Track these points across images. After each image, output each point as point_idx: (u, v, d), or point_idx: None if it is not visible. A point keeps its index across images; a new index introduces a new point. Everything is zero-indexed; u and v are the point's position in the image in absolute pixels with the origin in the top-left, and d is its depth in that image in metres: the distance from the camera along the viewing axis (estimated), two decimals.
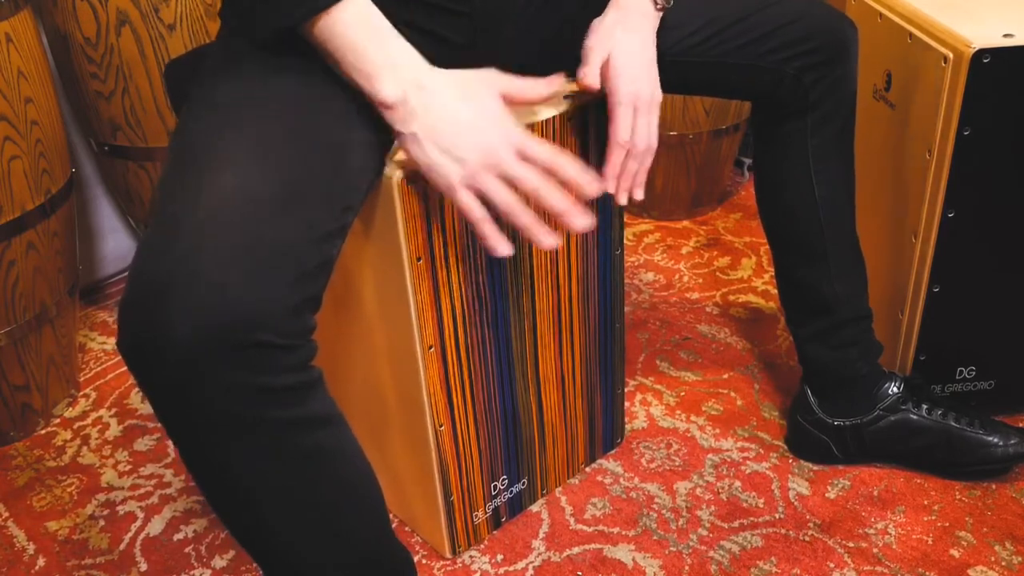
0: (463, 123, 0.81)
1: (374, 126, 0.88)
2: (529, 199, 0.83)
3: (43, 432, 1.50)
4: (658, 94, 1.00)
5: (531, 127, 1.02)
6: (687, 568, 1.17)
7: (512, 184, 0.82)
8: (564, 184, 0.83)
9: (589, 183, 0.83)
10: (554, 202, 0.82)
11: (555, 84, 0.87)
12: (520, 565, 1.19)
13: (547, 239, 0.83)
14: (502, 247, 0.84)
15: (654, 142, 1.00)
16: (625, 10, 1.00)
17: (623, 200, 1.01)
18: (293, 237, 0.75)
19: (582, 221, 0.83)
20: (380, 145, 0.92)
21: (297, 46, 0.85)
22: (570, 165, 0.83)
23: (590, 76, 0.99)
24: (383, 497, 0.89)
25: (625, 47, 0.98)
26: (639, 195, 1.00)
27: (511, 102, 0.85)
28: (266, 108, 0.82)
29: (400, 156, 0.96)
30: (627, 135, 0.98)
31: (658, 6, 1.01)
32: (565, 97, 1.06)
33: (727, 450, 1.35)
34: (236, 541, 0.83)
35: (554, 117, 1.04)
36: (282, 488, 0.78)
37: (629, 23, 0.99)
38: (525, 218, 0.83)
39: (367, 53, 0.80)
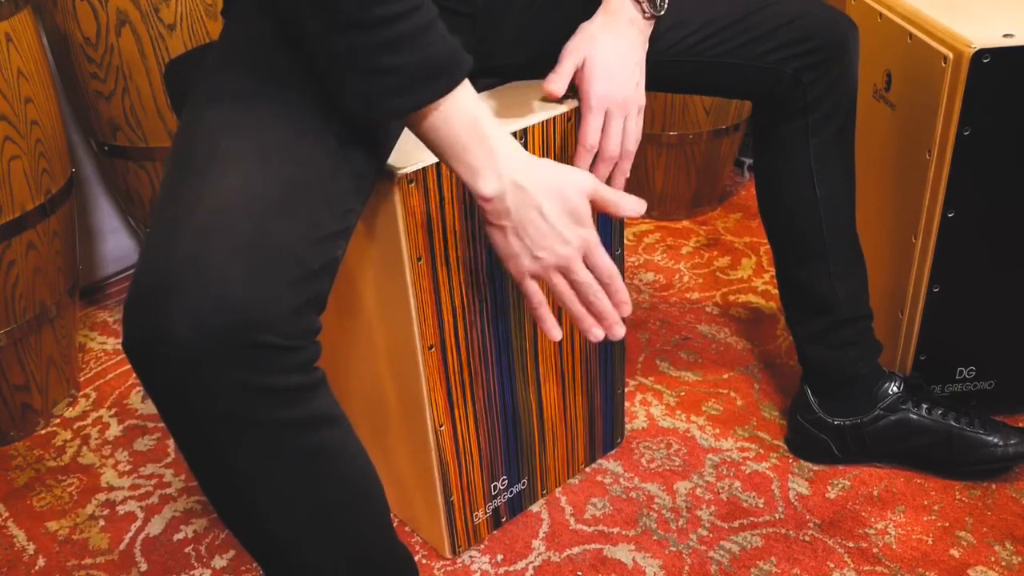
0: (549, 228, 0.83)
1: (377, 126, 0.88)
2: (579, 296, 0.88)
3: (43, 432, 1.50)
4: (637, 98, 0.99)
5: (531, 128, 1.02)
6: (687, 568, 1.17)
7: (576, 287, 0.87)
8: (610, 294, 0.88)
9: (626, 304, 0.88)
10: (602, 309, 0.87)
11: (643, 206, 0.89)
12: (520, 565, 1.19)
13: (596, 331, 0.88)
14: (556, 332, 0.89)
15: (630, 146, 1.00)
16: (612, 15, 1.00)
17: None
18: (296, 238, 0.75)
19: (620, 331, 0.88)
20: (383, 146, 0.92)
21: (297, 45, 0.85)
22: (621, 283, 0.87)
23: (555, 82, 0.98)
24: (385, 497, 0.89)
25: (604, 51, 0.98)
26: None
27: (597, 208, 0.87)
28: (268, 109, 0.82)
29: (402, 157, 0.96)
30: (594, 139, 0.98)
31: (647, 15, 1.00)
32: (565, 98, 1.06)
33: (727, 450, 1.35)
34: (237, 540, 0.83)
35: (555, 118, 1.04)
36: (284, 488, 0.78)
37: (614, 28, 0.99)
38: (577, 309, 0.88)
39: (472, 150, 0.81)
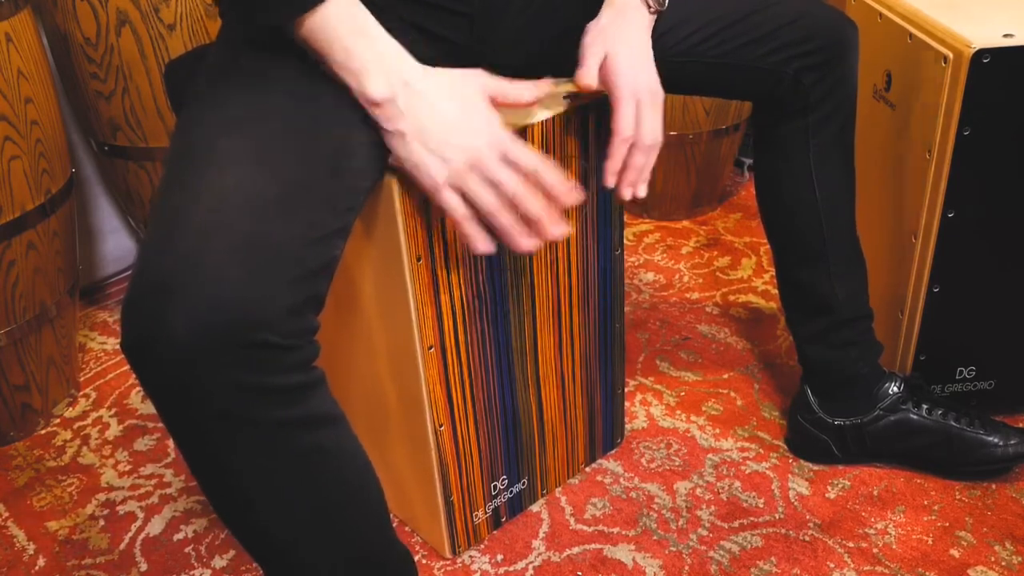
0: (450, 123, 0.81)
1: (375, 126, 0.88)
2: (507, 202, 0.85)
3: (43, 432, 1.50)
4: (660, 90, 0.99)
5: (531, 128, 1.02)
6: (687, 568, 1.17)
7: (493, 186, 0.84)
8: (545, 190, 0.85)
9: (569, 192, 0.84)
10: (530, 208, 0.84)
11: (542, 88, 0.88)
12: (520, 565, 1.19)
13: (525, 242, 0.85)
14: (483, 245, 0.86)
15: (659, 137, 0.99)
16: (619, 10, 1.00)
17: (627, 195, 1.00)
18: (294, 237, 0.75)
19: (557, 229, 0.85)
20: (381, 145, 0.92)
21: (298, 45, 0.85)
22: (551, 172, 0.84)
23: (587, 75, 0.98)
24: (384, 497, 0.89)
25: (623, 44, 0.98)
26: (643, 192, 0.98)
27: (498, 104, 0.85)
28: (267, 108, 0.82)
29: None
30: (630, 129, 0.97)
31: (651, 8, 1.01)
32: (564, 97, 1.06)
33: (727, 450, 1.35)
34: (237, 541, 0.83)
35: (553, 118, 1.04)
36: (283, 487, 0.78)
37: (624, 22, 0.99)
38: (504, 219, 0.84)
39: (355, 51, 0.80)
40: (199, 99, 0.85)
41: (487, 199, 0.84)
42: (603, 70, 0.98)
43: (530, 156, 0.83)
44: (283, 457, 0.76)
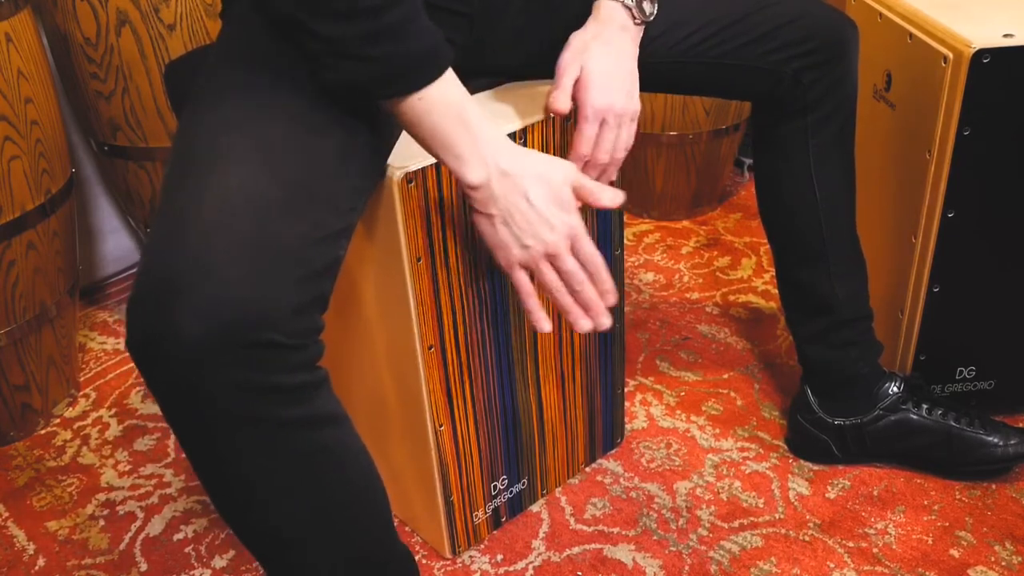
0: (536, 215, 0.85)
1: (377, 127, 0.88)
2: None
3: (43, 432, 1.50)
4: (632, 107, 0.99)
5: (531, 128, 1.02)
6: (687, 568, 1.17)
7: (563, 276, 0.88)
8: (597, 284, 0.90)
9: (612, 294, 0.90)
10: (588, 296, 0.89)
11: (621, 196, 0.90)
12: (520, 565, 1.19)
13: (583, 323, 0.89)
14: (545, 324, 0.90)
15: (619, 155, 1.00)
16: (603, 23, 1.00)
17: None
18: (299, 237, 0.75)
19: (607, 320, 0.90)
20: (383, 146, 0.92)
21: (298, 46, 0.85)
22: (606, 272, 0.89)
23: (558, 100, 0.98)
24: (387, 497, 0.89)
25: (599, 61, 0.98)
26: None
27: (578, 198, 0.88)
28: (270, 108, 0.82)
29: (402, 157, 0.96)
30: (586, 149, 0.98)
31: (637, 20, 1.00)
32: None
33: (727, 450, 1.35)
34: (238, 539, 0.83)
35: (554, 117, 1.04)
36: (287, 486, 0.78)
37: (606, 36, 0.99)
38: (566, 301, 0.89)
39: (456, 138, 0.82)
40: (200, 99, 0.85)
41: (554, 283, 0.88)
42: (576, 85, 0.98)
43: (595, 253, 0.88)
44: (287, 456, 0.76)
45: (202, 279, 0.69)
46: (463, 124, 0.82)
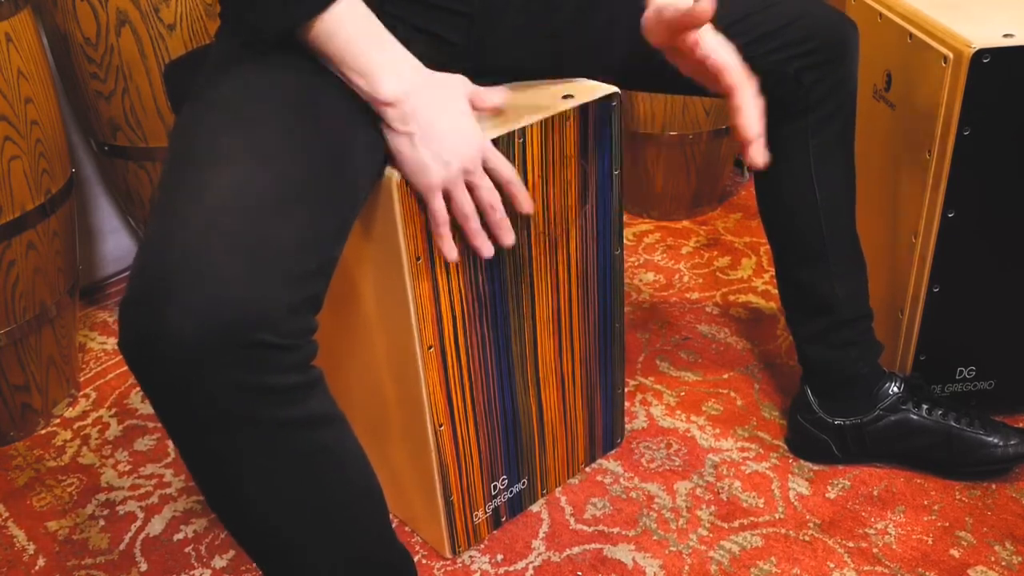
0: (452, 128, 0.84)
1: (375, 127, 0.88)
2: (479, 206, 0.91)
3: (43, 432, 1.50)
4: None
5: (531, 128, 1.02)
6: (687, 568, 1.17)
7: (476, 192, 0.89)
8: (511, 197, 0.92)
9: (528, 203, 0.92)
10: (497, 217, 0.89)
11: (504, 94, 0.91)
12: (520, 565, 1.19)
13: (486, 247, 0.91)
14: (452, 253, 0.92)
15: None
16: None
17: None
18: (294, 237, 0.75)
19: (509, 239, 0.92)
20: (380, 146, 0.92)
21: (298, 46, 0.85)
22: (519, 182, 0.90)
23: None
24: (384, 497, 0.89)
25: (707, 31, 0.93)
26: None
27: (474, 108, 0.88)
28: (267, 107, 0.82)
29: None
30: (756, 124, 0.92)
31: None
32: (564, 97, 1.06)
33: (727, 450, 1.35)
34: (234, 540, 0.83)
35: (553, 118, 1.03)
36: (282, 487, 0.78)
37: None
38: (474, 224, 0.90)
39: (367, 52, 0.82)
40: (199, 99, 0.85)
41: (467, 205, 0.88)
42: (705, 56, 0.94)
43: (507, 165, 0.88)
44: (282, 457, 0.76)
45: (195, 279, 0.69)
46: (375, 38, 0.82)
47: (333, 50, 0.83)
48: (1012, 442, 1.22)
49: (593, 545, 1.21)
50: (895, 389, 1.24)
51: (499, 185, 0.91)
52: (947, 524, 1.20)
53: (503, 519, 1.25)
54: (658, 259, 1.87)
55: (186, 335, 0.67)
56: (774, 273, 1.28)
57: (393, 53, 0.84)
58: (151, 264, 0.71)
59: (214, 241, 0.71)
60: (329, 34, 0.82)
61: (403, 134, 0.85)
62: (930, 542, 1.18)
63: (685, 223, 2.01)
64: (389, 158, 0.90)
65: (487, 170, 0.88)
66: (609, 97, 1.08)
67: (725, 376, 1.51)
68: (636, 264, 1.86)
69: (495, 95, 0.90)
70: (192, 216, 0.72)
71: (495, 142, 0.95)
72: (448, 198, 0.90)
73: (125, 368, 1.63)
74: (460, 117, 0.85)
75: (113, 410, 1.53)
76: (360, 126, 0.86)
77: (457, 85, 0.87)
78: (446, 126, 0.84)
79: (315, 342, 0.76)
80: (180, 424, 0.74)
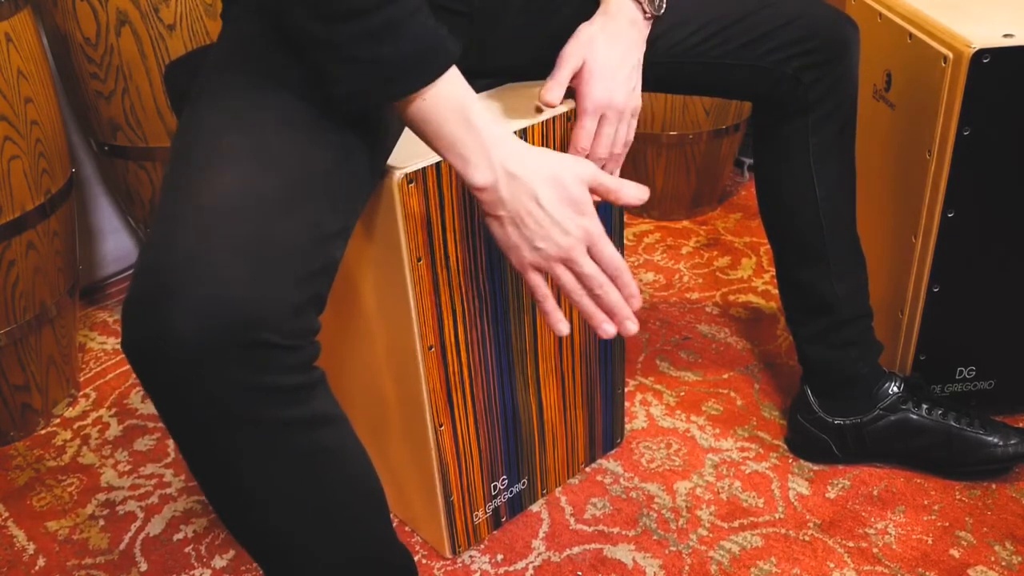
0: (547, 217, 0.82)
1: (377, 127, 0.88)
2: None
3: (43, 432, 1.50)
4: (633, 103, 0.99)
5: (531, 128, 1.02)
6: (687, 568, 1.17)
7: (581, 279, 0.85)
8: (621, 288, 0.86)
9: (636, 298, 0.86)
10: (612, 303, 0.85)
11: (645, 192, 0.87)
12: (520, 565, 1.19)
13: (606, 327, 0.86)
14: (562, 326, 0.87)
15: (619, 150, 1.00)
16: (612, 16, 0.99)
17: None
18: (297, 237, 0.75)
19: (633, 325, 0.86)
20: (383, 146, 0.92)
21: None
22: (629, 276, 0.86)
23: (552, 91, 0.97)
24: (385, 497, 0.89)
25: (602, 55, 0.97)
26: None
27: (597, 196, 0.85)
28: (268, 108, 0.82)
29: (402, 157, 0.96)
30: (586, 143, 0.98)
31: (647, 15, 1.00)
32: (567, 97, 1.06)
33: (727, 450, 1.35)
34: (236, 540, 0.83)
35: (553, 118, 1.04)
36: (283, 487, 0.78)
37: (613, 29, 0.98)
38: (586, 304, 0.86)
39: (462, 138, 0.80)
40: (200, 100, 0.85)
41: (572, 285, 0.85)
42: (576, 78, 0.98)
43: (615, 255, 0.84)
44: (284, 457, 0.76)
45: (198, 279, 0.69)
46: (467, 124, 0.81)
47: (427, 132, 0.81)
48: (1012, 442, 1.22)
49: (593, 545, 1.21)
50: (895, 389, 1.24)
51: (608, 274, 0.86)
52: (947, 524, 1.20)
53: (503, 519, 1.25)
54: (658, 259, 1.87)
55: (189, 335, 0.67)
56: (774, 273, 1.28)
57: (487, 137, 0.81)
58: (154, 264, 0.71)
59: (217, 241, 0.71)
60: (424, 116, 0.80)
61: (494, 218, 0.84)
62: (930, 542, 1.18)
63: (685, 223, 2.01)
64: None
65: (594, 258, 0.84)
66: None
67: (725, 376, 1.51)
68: (636, 264, 1.86)
69: (631, 191, 0.86)
70: (194, 216, 0.72)
71: None
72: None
73: (125, 368, 1.63)
74: (561, 204, 0.82)
75: (113, 410, 1.53)
76: (362, 126, 0.86)
77: (566, 171, 0.83)
78: (539, 215, 0.82)
79: (318, 343, 0.76)
80: (182, 423, 0.74)
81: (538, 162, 0.82)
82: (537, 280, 0.86)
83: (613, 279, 0.85)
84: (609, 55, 0.97)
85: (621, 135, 0.99)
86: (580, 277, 0.85)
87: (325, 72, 0.79)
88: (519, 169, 0.81)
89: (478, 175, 0.81)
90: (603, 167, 0.99)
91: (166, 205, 0.75)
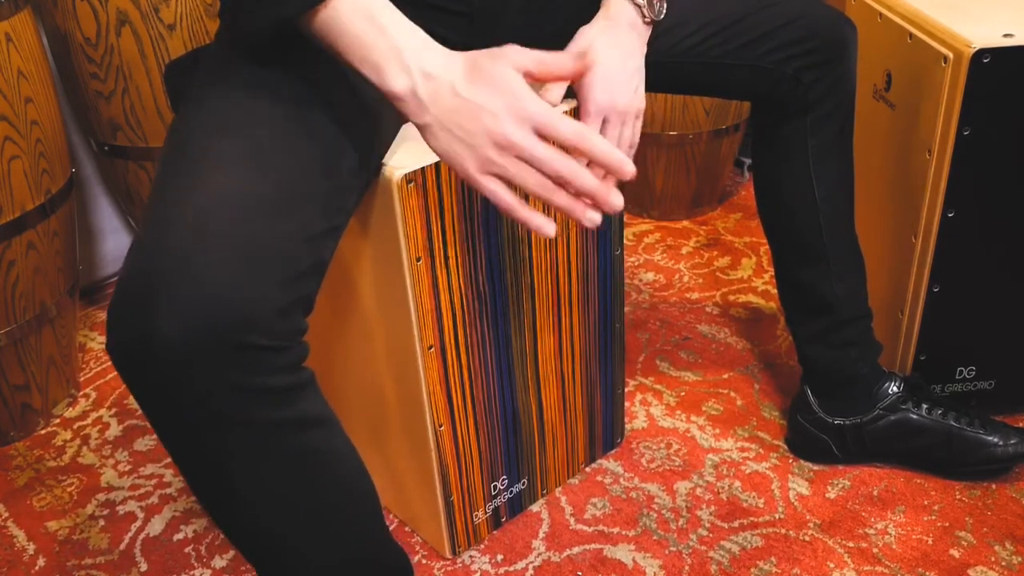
0: (471, 107, 0.75)
1: (370, 126, 0.88)
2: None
3: (43, 432, 1.50)
4: (636, 105, 0.98)
5: None
6: (687, 568, 1.17)
7: (535, 165, 0.76)
8: (595, 159, 0.77)
9: (622, 162, 0.76)
10: (584, 182, 0.75)
11: (581, 65, 0.82)
12: (520, 565, 1.19)
13: (590, 215, 0.77)
14: (548, 227, 0.76)
15: (624, 152, 0.99)
16: (612, 19, 0.99)
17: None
18: (284, 238, 0.75)
19: (617, 199, 0.76)
20: (376, 145, 0.92)
21: (293, 46, 0.85)
22: (599, 142, 0.75)
23: (552, 91, 0.94)
24: (378, 498, 0.89)
25: (604, 57, 0.96)
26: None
27: (536, 79, 0.78)
28: (260, 109, 0.82)
29: (400, 156, 0.96)
30: None
31: (646, 19, 1.00)
32: (565, 98, 1.06)
33: (727, 450, 1.35)
34: (230, 542, 0.83)
35: None
36: (273, 489, 0.78)
37: (613, 32, 0.98)
38: (559, 199, 0.76)
39: (372, 44, 0.76)
40: (194, 100, 0.85)
41: (532, 179, 0.75)
42: (579, 80, 0.97)
43: (570, 125, 0.74)
44: (273, 458, 0.76)
45: (184, 280, 0.68)
46: (375, 26, 0.76)
47: (337, 44, 0.77)
48: (1012, 442, 1.22)
49: (593, 545, 1.21)
50: (895, 389, 1.24)
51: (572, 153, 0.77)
52: (947, 524, 1.20)
53: (503, 519, 1.25)
54: (658, 259, 1.87)
55: (172, 337, 0.67)
56: (774, 273, 1.28)
57: (399, 40, 0.76)
58: (140, 266, 0.71)
59: (203, 243, 0.70)
60: (332, 27, 0.76)
61: (422, 127, 0.78)
62: (930, 542, 1.18)
63: (685, 223, 2.01)
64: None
65: (549, 138, 0.75)
66: None
67: (725, 376, 1.51)
68: (636, 264, 1.86)
69: (565, 62, 0.79)
70: (181, 217, 0.72)
71: None
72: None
73: None
74: (488, 93, 0.74)
75: (113, 410, 1.53)
76: (354, 125, 0.85)
77: (495, 58, 0.76)
78: (465, 107, 0.75)
79: (306, 343, 0.76)
80: (170, 426, 0.73)
81: (455, 57, 0.77)
82: (492, 188, 0.76)
83: (580, 151, 0.75)
84: (611, 57, 0.97)
85: (626, 137, 0.98)
86: (537, 164, 0.75)
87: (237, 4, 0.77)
88: (434, 68, 0.76)
89: (394, 81, 0.76)
90: (608, 173, 0.96)
91: (154, 207, 0.75)
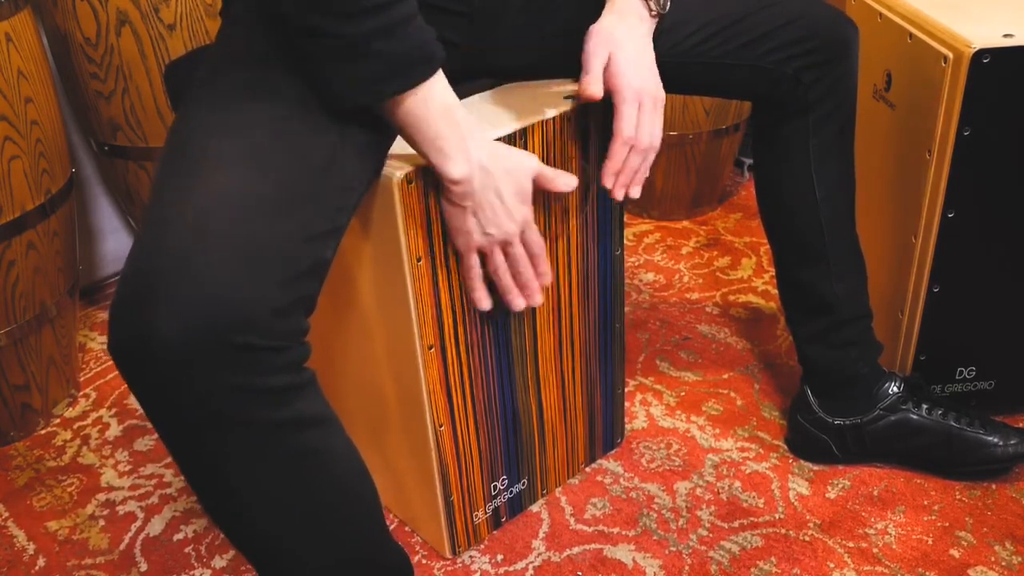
0: (503, 208, 0.92)
1: (370, 127, 0.88)
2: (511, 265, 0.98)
3: (43, 432, 1.50)
4: (661, 94, 1.00)
5: (532, 128, 1.02)
6: (687, 568, 1.17)
7: (511, 262, 0.97)
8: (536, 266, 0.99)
9: (547, 276, 1.01)
10: (528, 280, 0.99)
11: (574, 180, 0.98)
12: (520, 565, 1.19)
13: (518, 301, 1.00)
14: (486, 302, 1.01)
15: (657, 141, 1.01)
16: (621, 13, 1.00)
17: (620, 196, 1.02)
18: (284, 238, 0.75)
19: (539, 298, 1.01)
20: (376, 145, 0.92)
21: (292, 46, 0.85)
22: (545, 256, 0.99)
23: (593, 84, 0.98)
24: (378, 498, 0.89)
25: (626, 47, 0.98)
26: (636, 193, 1.03)
27: (539, 187, 0.95)
28: (261, 109, 0.82)
29: (400, 156, 0.96)
30: (632, 131, 0.98)
31: (653, 12, 1.00)
32: (566, 98, 1.06)
33: (727, 450, 1.35)
34: (229, 541, 0.83)
35: (554, 118, 1.04)
36: (272, 489, 0.78)
37: (626, 25, 0.99)
38: (507, 280, 0.99)
39: (444, 135, 0.86)
40: (194, 100, 0.85)
41: (502, 266, 0.97)
42: (606, 71, 0.98)
43: (539, 241, 0.97)
44: (273, 458, 0.76)
45: (184, 280, 0.69)
46: (452, 121, 0.85)
47: (410, 127, 0.86)
48: (1012, 442, 1.22)
49: (593, 545, 1.21)
50: (895, 389, 1.24)
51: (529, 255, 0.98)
52: (947, 524, 1.20)
53: (503, 519, 1.25)
54: (658, 259, 1.87)
55: (173, 337, 0.67)
56: (774, 273, 1.28)
57: (466, 135, 0.87)
58: (140, 266, 0.71)
59: (203, 243, 0.70)
60: (411, 113, 0.84)
61: (459, 207, 0.91)
62: (930, 542, 1.18)
63: (685, 223, 2.01)
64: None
65: (523, 241, 0.96)
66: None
67: (725, 376, 1.51)
68: (636, 264, 1.86)
69: (564, 180, 0.97)
70: (181, 218, 0.72)
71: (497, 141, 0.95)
72: (484, 257, 0.97)
73: None
74: (513, 198, 0.92)
75: (113, 410, 1.53)
76: (354, 125, 0.86)
77: (522, 166, 0.92)
78: (497, 205, 0.91)
79: (307, 344, 0.76)
80: (170, 426, 0.73)
81: (501, 156, 0.91)
82: (474, 260, 0.97)
83: (532, 257, 0.98)
84: (632, 47, 0.99)
85: (658, 125, 1.01)
86: (509, 258, 0.97)
87: (324, 70, 0.80)
88: (490, 164, 0.89)
89: (456, 169, 0.87)
90: (644, 158, 1.01)
91: (154, 207, 0.75)
